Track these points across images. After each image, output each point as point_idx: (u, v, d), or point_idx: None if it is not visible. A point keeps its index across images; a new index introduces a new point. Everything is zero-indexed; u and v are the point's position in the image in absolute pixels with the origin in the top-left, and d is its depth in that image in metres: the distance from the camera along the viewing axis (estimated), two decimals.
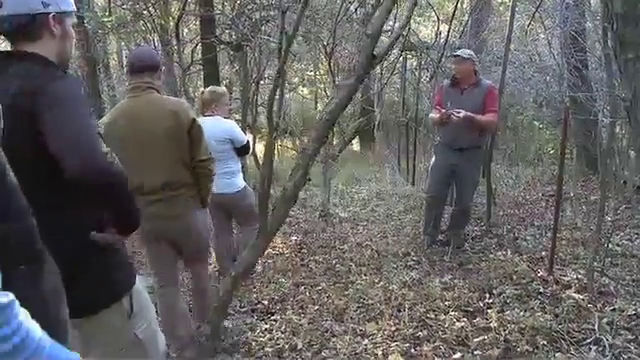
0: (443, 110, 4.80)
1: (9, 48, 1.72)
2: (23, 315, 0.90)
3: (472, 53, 4.94)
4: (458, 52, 4.95)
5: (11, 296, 0.87)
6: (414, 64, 10.68)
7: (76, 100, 1.64)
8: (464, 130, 4.74)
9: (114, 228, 1.77)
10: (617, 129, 5.77)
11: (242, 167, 4.64)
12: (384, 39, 3.97)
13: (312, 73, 14.39)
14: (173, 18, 7.41)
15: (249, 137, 5.08)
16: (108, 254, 1.77)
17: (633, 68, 1.52)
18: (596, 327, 3.24)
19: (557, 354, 3.02)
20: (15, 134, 1.38)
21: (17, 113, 1.49)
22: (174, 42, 7.52)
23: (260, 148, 8.71)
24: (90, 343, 1.81)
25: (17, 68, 1.62)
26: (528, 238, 5.11)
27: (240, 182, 4.34)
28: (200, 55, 8.52)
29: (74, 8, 1.81)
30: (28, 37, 1.66)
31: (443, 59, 7.55)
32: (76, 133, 1.56)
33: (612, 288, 3.83)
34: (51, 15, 1.67)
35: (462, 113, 4.63)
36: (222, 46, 7.94)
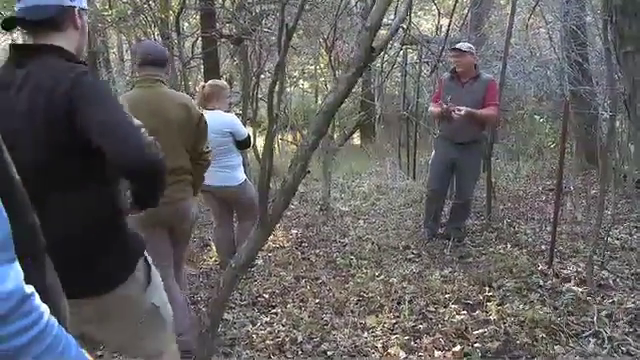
0: (444, 105, 4.80)
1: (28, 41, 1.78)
2: (44, 308, 0.91)
3: (472, 46, 4.93)
4: (457, 45, 4.94)
5: (32, 288, 0.89)
6: (415, 58, 10.67)
7: (110, 94, 1.76)
8: (464, 124, 4.74)
9: (137, 204, 1.87)
10: (617, 123, 5.77)
11: (243, 161, 4.65)
12: (383, 32, 3.98)
13: (312, 67, 14.37)
14: (173, 12, 7.42)
15: (249, 131, 5.08)
16: (123, 229, 1.84)
17: (632, 61, 1.52)
18: (595, 320, 3.26)
19: (556, 346, 3.04)
20: (52, 125, 1.58)
21: (54, 108, 1.60)
22: (174, 36, 7.52)
23: (260, 142, 8.71)
24: (108, 319, 1.85)
25: (45, 61, 1.67)
26: (528, 232, 5.13)
27: (241, 176, 4.34)
28: (200, 49, 8.52)
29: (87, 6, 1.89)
30: (55, 27, 1.70)
31: (444, 53, 7.53)
32: (124, 129, 1.64)
33: (611, 281, 3.86)
34: (77, 9, 1.74)
35: (463, 110, 4.64)
36: (222, 40, 7.94)
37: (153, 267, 1.95)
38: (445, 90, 4.95)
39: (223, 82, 4.74)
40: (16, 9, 1.70)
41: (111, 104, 1.69)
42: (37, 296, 0.89)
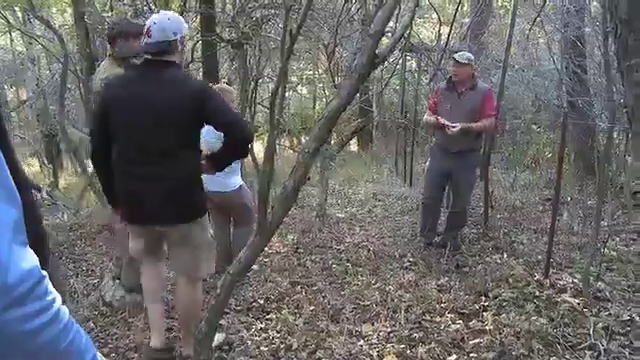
0: (439, 120, 4.81)
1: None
2: (56, 294, 0.90)
3: (471, 56, 4.92)
4: (457, 55, 4.93)
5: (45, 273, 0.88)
6: (414, 65, 10.70)
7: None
8: (460, 134, 4.74)
9: (213, 164, 2.98)
10: (614, 134, 5.78)
11: (240, 166, 4.63)
12: (384, 40, 3.98)
13: (311, 72, 14.39)
14: None
15: None
16: (202, 183, 2.91)
17: (636, 74, 1.51)
18: (591, 332, 3.25)
19: (552, 358, 3.02)
20: (183, 112, 2.67)
21: (187, 102, 2.67)
22: None
23: (257, 147, 8.71)
24: (186, 241, 2.88)
25: (170, 72, 2.75)
26: (524, 242, 5.12)
27: (236, 181, 4.32)
28: (200, 52, 8.51)
29: (187, 31, 2.88)
30: (168, 53, 2.75)
31: (443, 61, 7.55)
32: (233, 115, 2.82)
33: (608, 293, 3.84)
34: (178, 39, 2.76)
35: (457, 127, 4.65)
36: (222, 44, 7.93)
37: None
38: (441, 99, 4.95)
39: (228, 87, 4.72)
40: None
41: (221, 99, 2.86)
42: (49, 281, 0.88)
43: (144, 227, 2.92)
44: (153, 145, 2.72)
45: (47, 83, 11.54)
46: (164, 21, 2.74)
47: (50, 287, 0.88)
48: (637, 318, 3.42)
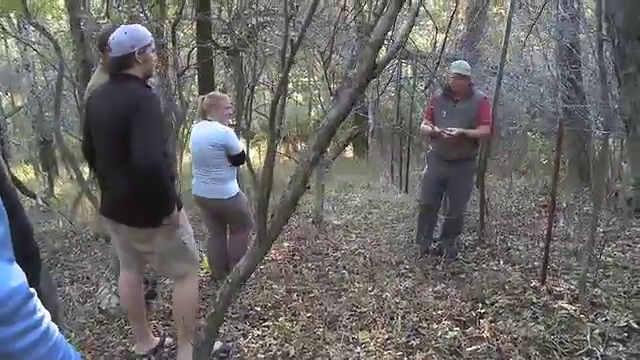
0: (435, 129, 4.84)
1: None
2: (45, 312, 0.89)
3: (468, 66, 4.94)
4: (456, 67, 4.90)
5: (33, 289, 0.87)
6: (409, 72, 10.73)
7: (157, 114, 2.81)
8: (456, 142, 4.76)
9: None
10: (609, 141, 5.80)
11: (237, 173, 4.63)
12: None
13: (306, 79, 14.40)
14: (169, 22, 7.41)
15: (243, 144, 5.08)
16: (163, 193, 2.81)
17: (633, 82, 1.52)
18: (588, 338, 3.25)
19: None
20: (124, 125, 2.63)
21: (125, 113, 2.64)
22: (170, 46, 7.51)
23: (253, 153, 8.71)
24: (154, 242, 2.92)
25: (127, 85, 2.80)
26: (521, 248, 5.13)
27: (232, 189, 4.31)
28: (195, 59, 8.52)
29: (151, 40, 2.90)
30: (127, 67, 2.83)
31: (438, 68, 7.57)
32: (147, 139, 2.65)
33: (604, 299, 3.84)
34: (136, 51, 2.80)
35: (455, 131, 4.68)
36: (218, 51, 7.94)
37: (184, 213, 3.07)
38: (438, 107, 4.97)
39: (222, 94, 4.72)
40: None
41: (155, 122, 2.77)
42: (37, 299, 0.87)
43: (116, 223, 3.01)
44: (108, 154, 2.86)
45: (42, 90, 11.51)
46: (121, 36, 2.82)
47: (39, 304, 0.86)
48: (634, 324, 3.43)
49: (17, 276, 0.83)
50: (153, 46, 2.96)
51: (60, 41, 8.56)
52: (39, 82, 12.37)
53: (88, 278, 4.82)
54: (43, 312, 0.87)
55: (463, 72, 4.81)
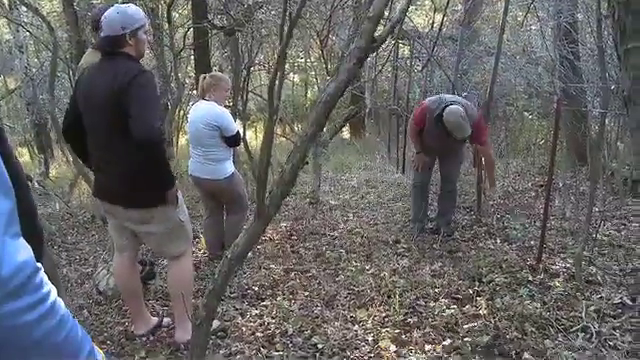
0: (424, 160, 5.10)
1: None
2: (52, 286, 0.89)
3: (465, 115, 4.55)
4: (457, 129, 4.55)
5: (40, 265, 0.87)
6: (406, 52, 10.68)
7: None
8: (444, 144, 4.81)
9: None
10: (607, 121, 5.80)
11: (233, 153, 4.62)
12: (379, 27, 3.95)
13: (303, 60, 14.35)
14: (165, 2, 7.35)
15: (239, 125, 5.06)
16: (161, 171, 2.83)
17: (634, 58, 1.52)
18: (583, 315, 3.28)
19: (546, 341, 3.05)
20: (118, 102, 2.63)
21: (119, 91, 2.63)
22: (165, 26, 7.46)
23: (250, 135, 8.70)
24: (145, 226, 2.95)
25: (118, 63, 2.76)
26: (517, 227, 5.15)
27: (228, 169, 4.30)
28: (191, 40, 8.46)
29: (143, 22, 2.88)
30: (119, 47, 2.80)
31: (436, 48, 7.54)
32: (146, 111, 2.65)
33: (599, 277, 3.88)
34: (127, 33, 2.78)
35: (495, 188, 5.28)
36: (214, 31, 7.88)
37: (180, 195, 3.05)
38: (430, 126, 4.82)
39: (223, 75, 4.69)
40: None
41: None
42: (44, 273, 0.87)
43: (111, 205, 2.99)
44: (102, 132, 2.82)
45: (36, 72, 11.42)
46: (112, 15, 2.79)
47: (45, 279, 0.86)
48: (628, 301, 3.46)
49: (24, 250, 0.83)
50: (146, 28, 2.94)
51: (53, 22, 8.48)
52: (32, 64, 12.26)
53: (86, 260, 4.83)
54: (50, 287, 0.87)
55: (465, 134, 4.59)
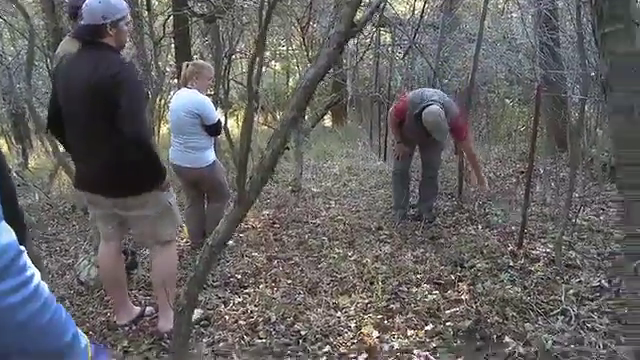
0: (403, 150, 5.14)
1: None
2: (35, 269, 0.88)
3: (443, 115, 4.62)
4: (436, 132, 4.65)
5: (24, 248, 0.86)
6: (388, 40, 10.67)
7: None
8: (423, 135, 4.80)
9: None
10: (586, 107, 5.85)
11: (214, 142, 4.58)
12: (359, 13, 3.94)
13: (284, 48, 14.26)
14: None
15: (220, 114, 5.02)
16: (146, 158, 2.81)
17: (611, 42, 1.53)
18: (563, 298, 3.33)
19: (526, 324, 3.09)
20: (99, 94, 2.63)
21: (101, 83, 2.63)
22: (145, 14, 7.36)
23: (231, 123, 8.66)
24: (136, 212, 2.94)
25: (99, 54, 2.74)
26: (498, 213, 5.19)
27: (208, 157, 4.28)
28: (171, 28, 8.36)
29: (125, 12, 2.82)
30: (99, 36, 2.76)
31: (417, 35, 7.54)
32: (135, 111, 2.68)
33: (578, 261, 3.93)
34: (108, 23, 2.73)
35: (484, 182, 5.14)
36: (194, 19, 7.80)
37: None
38: (409, 122, 4.86)
39: (207, 63, 4.64)
40: None
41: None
42: (27, 257, 0.87)
43: (94, 195, 2.98)
44: (83, 123, 2.79)
45: (12, 60, 11.22)
46: (94, 4, 2.75)
47: (29, 262, 0.86)
48: (605, 284, 3.52)
49: (7, 234, 0.83)
50: (128, 18, 2.89)
51: (29, 8, 8.32)
52: (8, 52, 12.04)
53: (67, 250, 4.79)
54: (33, 270, 0.87)
55: (443, 136, 4.75)
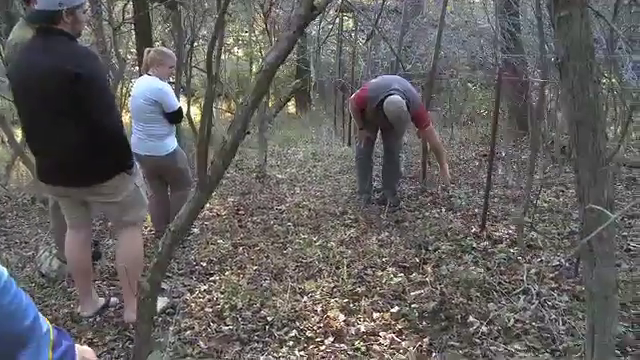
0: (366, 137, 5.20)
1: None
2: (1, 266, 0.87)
3: (404, 105, 4.66)
4: (394, 119, 4.72)
5: None
6: (351, 25, 10.66)
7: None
8: (386, 125, 4.86)
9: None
10: (546, 91, 5.96)
11: (175, 128, 4.51)
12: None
13: (247, 34, 14.13)
14: None
15: (182, 101, 4.95)
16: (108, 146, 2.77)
17: (566, 25, 1.56)
18: (524, 278, 3.40)
19: (489, 304, 3.15)
20: (57, 83, 2.56)
21: (60, 73, 2.55)
22: None
23: (194, 111, 8.55)
24: (102, 199, 2.92)
25: (54, 40, 2.65)
26: (462, 196, 5.26)
27: (169, 145, 4.20)
28: (131, 14, 8.19)
29: (84, 1, 2.74)
30: (54, 23, 2.64)
31: (380, 20, 7.54)
32: (104, 100, 2.72)
33: (540, 242, 4.02)
34: (64, 10, 2.62)
35: (446, 178, 5.16)
36: (155, 4, 7.65)
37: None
38: (371, 111, 4.90)
39: (169, 51, 4.53)
40: None
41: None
42: None
43: (55, 187, 2.93)
44: (42, 116, 2.71)
45: None
46: None
47: None
48: (565, 263, 3.61)
49: None
50: (85, 7, 2.82)
51: None
52: None
53: (26, 243, 4.67)
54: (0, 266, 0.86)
55: (404, 125, 4.94)
